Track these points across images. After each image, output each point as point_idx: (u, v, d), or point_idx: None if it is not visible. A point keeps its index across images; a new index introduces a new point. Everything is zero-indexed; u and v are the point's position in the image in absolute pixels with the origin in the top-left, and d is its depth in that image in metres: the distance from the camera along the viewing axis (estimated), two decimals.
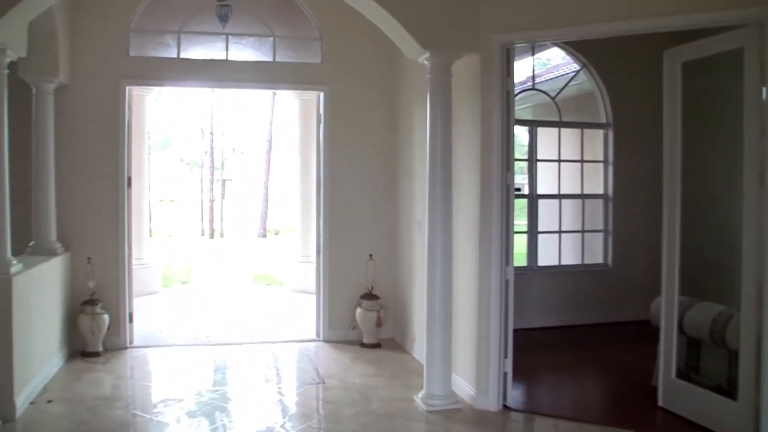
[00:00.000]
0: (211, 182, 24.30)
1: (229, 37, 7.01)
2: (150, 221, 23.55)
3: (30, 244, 6.36)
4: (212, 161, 24.51)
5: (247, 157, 25.86)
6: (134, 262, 10.04)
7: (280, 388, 6.04)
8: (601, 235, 8.23)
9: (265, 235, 21.70)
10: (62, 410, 5.20)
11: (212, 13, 6.83)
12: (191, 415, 5.23)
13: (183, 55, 6.92)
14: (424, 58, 5.21)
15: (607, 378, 6.29)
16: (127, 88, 6.80)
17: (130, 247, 7.06)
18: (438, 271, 5.19)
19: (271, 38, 7.08)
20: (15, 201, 7.40)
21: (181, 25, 6.91)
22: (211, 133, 24.49)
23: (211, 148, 24.49)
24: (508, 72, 5.17)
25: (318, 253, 7.43)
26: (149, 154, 25.66)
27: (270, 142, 22.70)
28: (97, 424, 4.94)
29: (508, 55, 5.16)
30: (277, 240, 19.36)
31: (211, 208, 23.54)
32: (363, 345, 7.07)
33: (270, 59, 7.09)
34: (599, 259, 8.23)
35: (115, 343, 6.82)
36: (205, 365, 6.57)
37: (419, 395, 5.35)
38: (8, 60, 5.03)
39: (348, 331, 7.22)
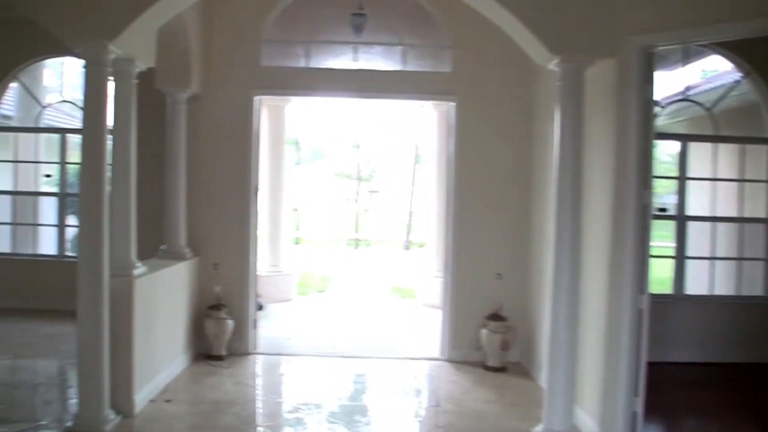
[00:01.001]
0: (358, 193, 24.65)
1: (359, 46, 6.92)
2: (297, 229, 24.42)
3: (161, 247, 6.59)
4: (359, 172, 24.89)
5: (395, 168, 26.09)
6: (271, 269, 10.42)
7: (392, 408, 5.79)
8: (762, 264, 7.28)
9: (408, 247, 21.65)
10: (178, 411, 5.30)
11: (341, 22, 6.78)
12: (298, 429, 5.12)
13: (312, 65, 6.92)
14: (553, 64, 4.80)
15: (760, 429, 5.49)
16: (256, 97, 6.87)
17: (255, 254, 7.10)
18: (563, 294, 4.73)
19: (401, 47, 6.92)
20: (150, 206, 7.74)
21: (311, 35, 6.92)
22: (359, 145, 24.90)
23: (359, 159, 24.89)
24: (648, 78, 4.62)
25: (445, 269, 7.14)
26: (298, 164, 26.59)
27: (416, 154, 22.69)
28: (207, 428, 4.96)
29: (648, 60, 4.61)
30: (420, 253, 19.23)
31: (357, 219, 23.86)
32: (486, 368, 6.69)
33: (399, 68, 6.93)
34: (759, 291, 7.27)
35: (239, 348, 6.90)
36: (322, 378, 6.47)
37: (537, 429, 4.91)
38: (137, 70, 5.19)
39: (472, 352, 6.86)
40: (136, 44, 4.98)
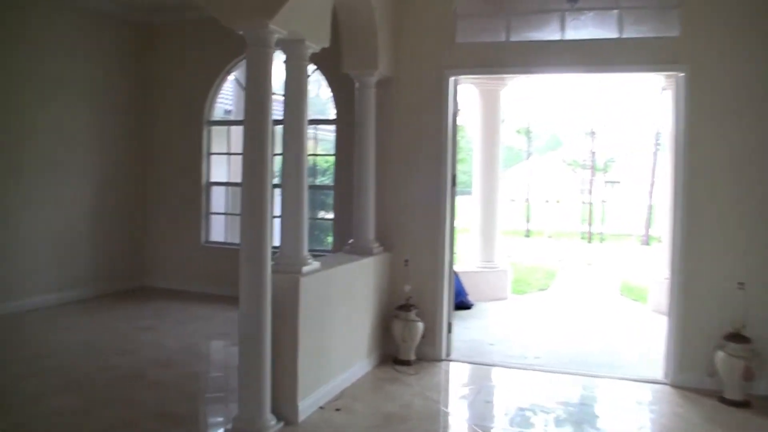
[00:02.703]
0: (591, 184, 23.05)
1: (566, 14, 5.97)
2: (528, 222, 23.46)
3: (348, 242, 6.25)
4: (592, 162, 23.23)
5: (635, 157, 24.07)
6: (482, 265, 9.77)
7: None
8: None
9: (648, 243, 19.74)
10: (345, 421, 4.84)
11: None
12: None
13: (512, 39, 6.10)
14: None
15: None
16: (451, 78, 6.24)
17: (451, 251, 6.48)
18: None
19: (616, 11, 5.84)
20: (339, 198, 7.48)
21: (511, 6, 6.10)
22: (593, 133, 23.21)
23: (592, 148, 23.22)
24: None
25: (672, 272, 5.97)
26: (530, 154, 25.70)
27: (657, 140, 20.54)
28: None
29: None
30: (660, 249, 17.47)
31: (590, 212, 22.27)
32: (723, 400, 5.42)
33: (614, 36, 5.85)
34: None
35: (430, 353, 6.35)
36: (518, 398, 5.61)
37: None
38: (309, 51, 4.81)
39: (704, 379, 5.64)
40: (304, 23, 4.60)
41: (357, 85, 6.11)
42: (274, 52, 4.34)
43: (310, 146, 9.98)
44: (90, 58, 8.80)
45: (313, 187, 9.63)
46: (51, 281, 8.35)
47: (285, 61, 4.78)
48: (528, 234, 23.01)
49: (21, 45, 7.92)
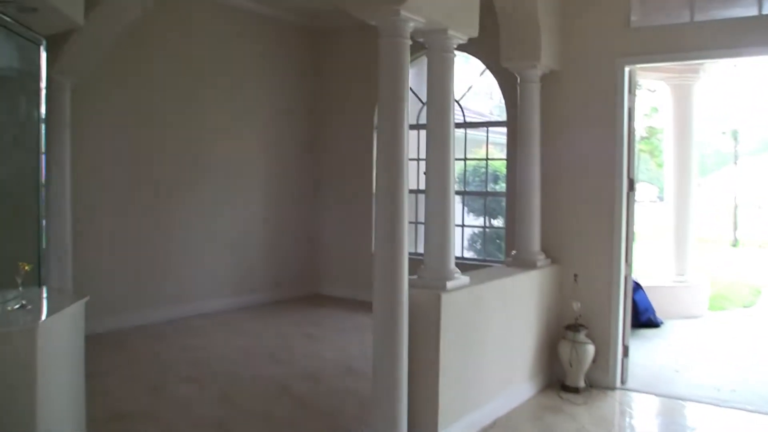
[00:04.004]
0: None
1: None
2: (736, 230, 21.08)
3: (512, 253, 5.71)
4: None
5: None
6: (673, 279, 8.76)
7: None
8: None
9: None
10: None
11: None
12: None
13: (697, 19, 5.20)
14: None
15: None
16: (626, 67, 5.47)
17: (629, 264, 5.69)
18: None
19: None
20: (511, 205, 6.86)
21: None
22: None
23: None
24: None
25: None
26: (738, 157, 23.18)
27: None
28: None
29: None
30: None
31: None
32: None
33: None
34: None
35: (602, 379, 5.61)
36: None
37: None
38: (454, 42, 4.34)
39: None
40: (445, 9, 4.15)
41: (519, 80, 5.56)
42: (409, 43, 3.94)
43: (484, 151, 9.48)
44: (269, 65, 9.06)
45: (488, 194, 9.13)
46: (226, 286, 8.56)
47: (426, 53, 4.35)
48: (735, 244, 20.70)
49: (208, 53, 8.25)
